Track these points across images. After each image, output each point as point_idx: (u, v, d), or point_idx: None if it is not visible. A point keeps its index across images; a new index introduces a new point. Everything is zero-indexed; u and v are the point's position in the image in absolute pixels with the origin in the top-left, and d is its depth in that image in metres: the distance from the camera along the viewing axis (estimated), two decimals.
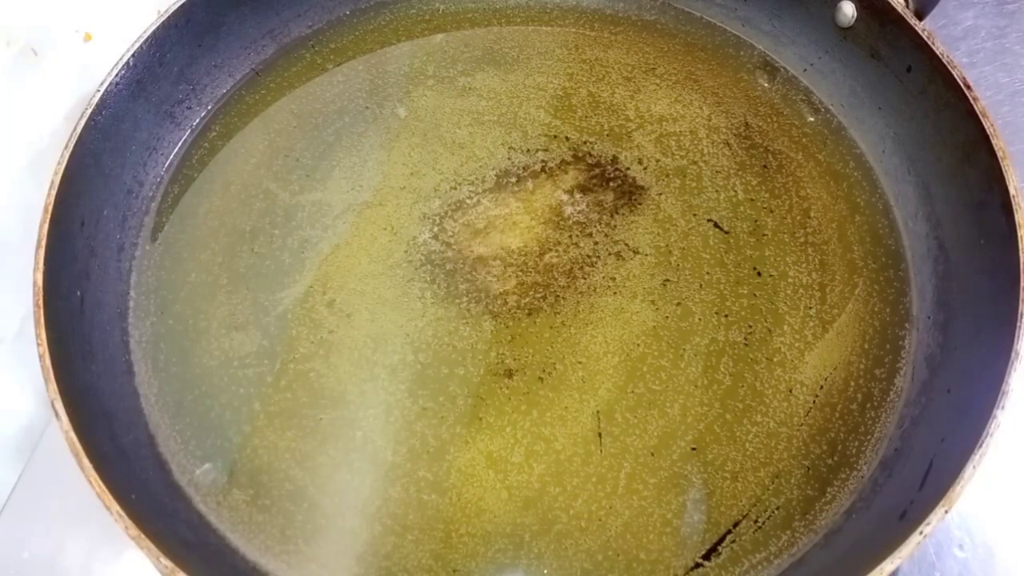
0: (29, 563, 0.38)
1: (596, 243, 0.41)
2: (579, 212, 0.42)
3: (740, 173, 0.43)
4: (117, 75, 0.40)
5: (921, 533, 0.29)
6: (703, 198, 0.43)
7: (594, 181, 0.43)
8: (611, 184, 0.43)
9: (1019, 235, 0.34)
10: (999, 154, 0.35)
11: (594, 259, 0.41)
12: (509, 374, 0.38)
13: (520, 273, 0.41)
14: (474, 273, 0.41)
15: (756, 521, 0.35)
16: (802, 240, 0.41)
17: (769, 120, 0.45)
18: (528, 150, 0.44)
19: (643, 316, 0.39)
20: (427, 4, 0.50)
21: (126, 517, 0.30)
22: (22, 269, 0.35)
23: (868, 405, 0.37)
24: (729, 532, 0.35)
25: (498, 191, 0.43)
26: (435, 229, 0.42)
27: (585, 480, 0.36)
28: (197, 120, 0.46)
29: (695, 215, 0.42)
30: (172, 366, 0.39)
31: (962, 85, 0.37)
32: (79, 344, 0.36)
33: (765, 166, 0.44)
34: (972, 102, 0.37)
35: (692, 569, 0.34)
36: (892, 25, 0.40)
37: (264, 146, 0.45)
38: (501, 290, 0.40)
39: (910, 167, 0.42)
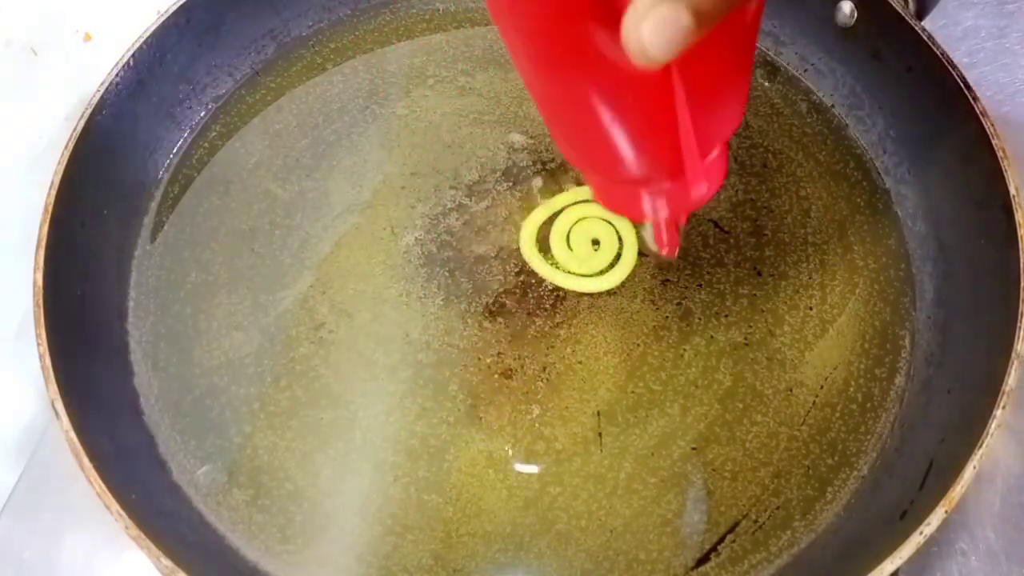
0: (29, 563, 0.38)
1: None
2: None
3: (740, 173, 0.43)
4: (117, 75, 0.40)
5: (921, 533, 0.29)
6: None
7: None
8: None
9: (1019, 235, 0.34)
10: (999, 154, 0.36)
11: None
12: (509, 374, 0.38)
13: (520, 273, 0.41)
14: (474, 273, 0.41)
15: (756, 521, 0.35)
16: (802, 240, 0.41)
17: (769, 120, 0.45)
18: (528, 150, 0.44)
19: (643, 316, 0.39)
20: (427, 4, 0.50)
21: (126, 517, 0.30)
22: (22, 269, 0.35)
23: (868, 405, 0.37)
24: (729, 532, 0.35)
25: (498, 191, 0.43)
26: (435, 229, 0.42)
27: (585, 480, 0.36)
28: (197, 120, 0.46)
29: (695, 215, 0.42)
30: (172, 366, 0.39)
31: (962, 85, 0.37)
32: (79, 344, 0.36)
33: (765, 166, 0.44)
34: (972, 102, 0.37)
35: (692, 569, 0.34)
36: (892, 25, 0.40)
37: (264, 146, 0.45)
38: (501, 290, 0.40)
39: (910, 167, 0.42)
